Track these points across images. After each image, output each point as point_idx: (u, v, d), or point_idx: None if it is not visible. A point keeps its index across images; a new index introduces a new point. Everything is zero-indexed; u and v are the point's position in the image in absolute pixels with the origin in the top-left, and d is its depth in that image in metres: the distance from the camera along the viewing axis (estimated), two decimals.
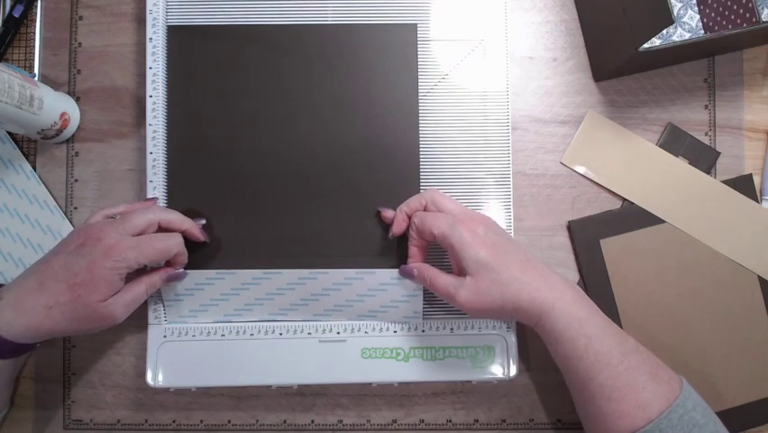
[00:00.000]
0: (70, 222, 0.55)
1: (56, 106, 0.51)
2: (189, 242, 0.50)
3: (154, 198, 0.51)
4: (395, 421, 0.54)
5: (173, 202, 0.52)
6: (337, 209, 0.52)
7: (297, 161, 0.52)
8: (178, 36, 0.53)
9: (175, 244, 0.48)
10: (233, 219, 0.52)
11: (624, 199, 0.55)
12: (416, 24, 0.53)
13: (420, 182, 0.52)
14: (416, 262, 0.49)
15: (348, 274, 0.51)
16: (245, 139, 0.52)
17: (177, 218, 0.49)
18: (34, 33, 0.56)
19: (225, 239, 0.52)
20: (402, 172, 0.52)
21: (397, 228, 0.50)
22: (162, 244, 0.47)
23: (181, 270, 0.50)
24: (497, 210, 0.53)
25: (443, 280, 0.46)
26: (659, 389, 0.42)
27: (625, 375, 0.42)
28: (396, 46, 0.53)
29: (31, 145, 0.56)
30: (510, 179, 0.53)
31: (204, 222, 0.51)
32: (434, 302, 0.52)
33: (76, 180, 0.55)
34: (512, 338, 0.51)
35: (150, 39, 0.52)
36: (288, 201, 0.52)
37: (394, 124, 0.52)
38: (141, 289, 0.47)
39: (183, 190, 0.52)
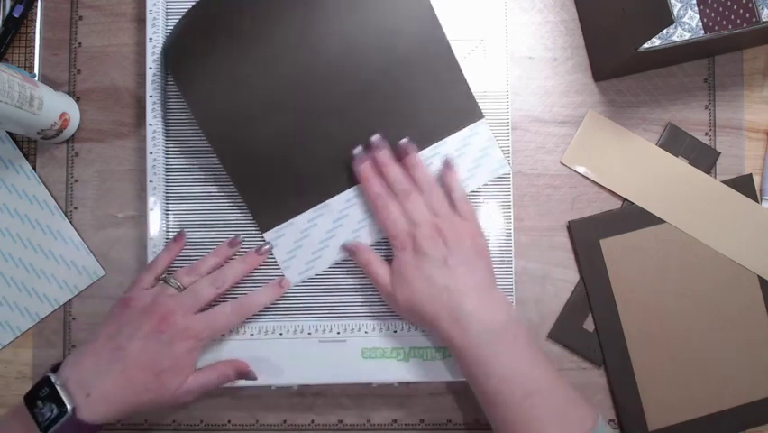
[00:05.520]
0: (70, 222, 0.55)
1: (56, 106, 0.51)
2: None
3: (181, 237, 0.51)
4: (395, 421, 0.54)
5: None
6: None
7: (330, 102, 0.50)
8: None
9: (238, 319, 0.49)
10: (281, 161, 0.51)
11: (624, 199, 0.55)
12: None
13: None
14: (357, 243, 0.50)
15: (425, 154, 0.51)
16: (273, 109, 0.50)
17: (231, 275, 0.49)
18: (34, 33, 0.56)
19: (300, 190, 0.51)
20: (434, 58, 0.51)
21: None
22: (229, 323, 0.48)
23: (253, 372, 0.50)
24: (497, 210, 0.53)
25: (379, 272, 0.48)
26: (566, 428, 0.42)
27: (525, 413, 0.42)
28: None
29: (31, 145, 0.56)
30: (510, 179, 0.53)
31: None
32: None
33: (76, 180, 0.55)
34: None
35: (150, 39, 0.52)
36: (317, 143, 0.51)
37: (410, 24, 0.50)
38: (212, 377, 0.48)
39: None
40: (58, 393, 0.43)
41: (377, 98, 0.51)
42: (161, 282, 0.48)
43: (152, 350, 0.45)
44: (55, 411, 0.42)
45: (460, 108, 0.51)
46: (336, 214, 0.51)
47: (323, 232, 0.51)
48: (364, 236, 0.51)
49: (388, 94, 0.51)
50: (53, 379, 0.43)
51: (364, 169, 0.49)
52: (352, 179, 0.51)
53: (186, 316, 0.46)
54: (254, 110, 0.50)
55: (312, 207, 0.51)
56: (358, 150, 0.49)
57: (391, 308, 0.50)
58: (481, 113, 0.52)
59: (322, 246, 0.51)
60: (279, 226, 0.51)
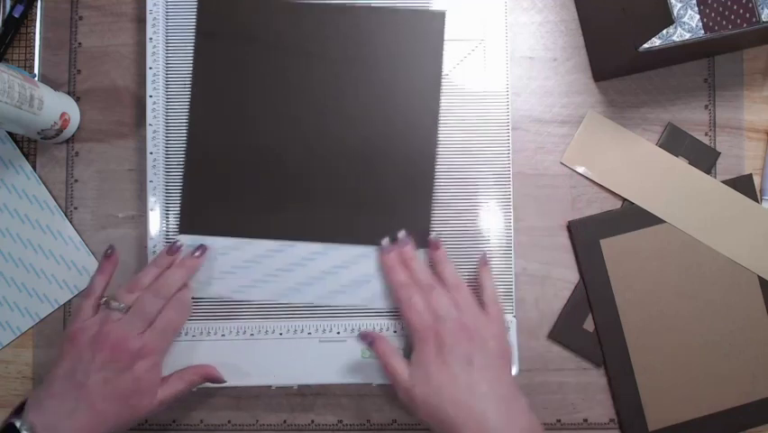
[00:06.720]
0: (70, 222, 0.55)
1: (56, 106, 0.51)
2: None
3: (113, 254, 0.49)
4: (395, 421, 0.54)
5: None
6: (347, 195, 0.52)
7: (310, 153, 0.52)
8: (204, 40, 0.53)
9: (184, 316, 0.49)
10: (241, 204, 0.52)
11: (624, 199, 0.55)
12: (445, 12, 0.52)
13: (435, 172, 0.52)
14: (376, 333, 0.49)
15: (357, 251, 0.51)
16: (261, 128, 0.52)
17: (174, 283, 0.48)
18: (34, 33, 0.56)
19: (237, 216, 0.52)
20: (417, 163, 0.52)
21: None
22: (179, 324, 0.48)
23: (221, 375, 0.49)
24: (497, 210, 0.53)
25: (398, 365, 0.46)
26: None
27: None
28: (422, 34, 0.52)
29: (31, 145, 0.56)
30: (510, 179, 0.53)
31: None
32: None
33: (76, 180, 0.55)
34: (512, 339, 0.51)
35: (150, 39, 0.52)
36: (295, 191, 0.52)
37: (413, 116, 0.52)
38: (180, 386, 0.48)
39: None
40: None
41: (366, 164, 0.52)
42: (103, 307, 0.46)
43: (113, 379, 0.44)
44: None
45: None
46: (261, 252, 0.51)
47: (239, 261, 0.51)
48: (294, 296, 0.51)
49: (374, 167, 0.52)
50: (18, 425, 0.42)
51: (390, 258, 0.50)
52: (291, 233, 0.51)
53: (137, 337, 0.45)
54: (243, 124, 0.52)
55: (238, 237, 0.51)
56: (385, 241, 0.50)
57: (405, 406, 0.46)
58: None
59: (226, 273, 0.51)
60: (197, 237, 0.51)
